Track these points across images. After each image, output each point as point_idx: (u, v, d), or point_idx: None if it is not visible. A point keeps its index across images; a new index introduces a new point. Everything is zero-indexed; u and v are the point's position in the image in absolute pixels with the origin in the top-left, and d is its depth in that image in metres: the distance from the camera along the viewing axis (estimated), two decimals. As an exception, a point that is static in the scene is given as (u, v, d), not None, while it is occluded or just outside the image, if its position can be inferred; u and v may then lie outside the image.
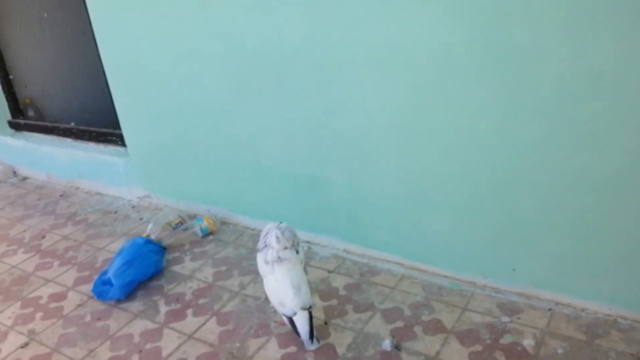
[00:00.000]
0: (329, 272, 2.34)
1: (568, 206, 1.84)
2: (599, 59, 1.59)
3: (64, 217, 3.11)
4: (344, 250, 2.46)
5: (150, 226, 2.74)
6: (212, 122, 2.58)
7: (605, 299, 1.90)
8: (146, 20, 2.52)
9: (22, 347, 2.10)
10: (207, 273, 2.43)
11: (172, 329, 2.11)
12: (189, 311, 2.19)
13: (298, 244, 1.94)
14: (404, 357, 1.84)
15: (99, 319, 2.21)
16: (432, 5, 1.77)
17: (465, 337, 1.89)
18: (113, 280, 2.29)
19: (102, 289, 2.31)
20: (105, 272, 2.41)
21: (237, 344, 1.98)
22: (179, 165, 2.86)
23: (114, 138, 3.16)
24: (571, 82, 1.65)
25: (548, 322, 1.92)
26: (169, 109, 2.71)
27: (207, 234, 2.72)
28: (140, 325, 2.14)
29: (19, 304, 2.36)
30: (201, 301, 2.24)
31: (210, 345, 2.00)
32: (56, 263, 2.65)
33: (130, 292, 2.32)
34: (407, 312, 2.05)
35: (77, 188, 3.47)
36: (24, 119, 3.73)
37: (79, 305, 2.31)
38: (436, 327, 1.95)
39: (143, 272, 2.37)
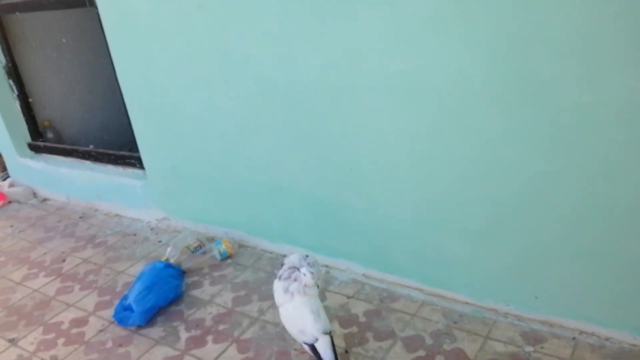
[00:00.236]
0: (348, 297, 2.33)
1: (590, 234, 1.82)
2: (620, 89, 1.58)
3: (84, 240, 3.14)
4: (363, 275, 2.45)
5: (169, 249, 2.76)
6: (229, 146, 2.60)
7: (630, 328, 1.87)
8: (163, 45, 2.55)
9: (45, 374, 2.12)
10: (227, 298, 2.43)
11: (193, 356, 2.11)
12: (209, 338, 2.20)
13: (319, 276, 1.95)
14: (427, 387, 1.83)
15: (120, 345, 2.22)
16: (449, 34, 1.78)
17: (488, 367, 1.88)
18: (134, 306, 2.30)
19: (123, 314, 2.32)
20: (125, 297, 2.42)
21: (258, 373, 1.98)
22: (197, 188, 2.88)
23: (132, 161, 3.19)
24: (591, 112, 1.64)
25: (572, 352, 1.90)
26: (186, 132, 2.74)
27: (225, 257, 2.73)
28: (161, 352, 2.15)
29: (41, 329, 2.38)
30: (221, 327, 2.25)
31: (231, 373, 2.00)
32: (77, 287, 2.67)
33: (150, 317, 2.33)
34: (429, 340, 2.03)
35: (96, 210, 3.50)
36: (43, 141, 3.78)
37: (101, 331, 2.32)
38: (458, 357, 1.94)
39: (163, 297, 2.38)
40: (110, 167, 3.35)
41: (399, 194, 2.17)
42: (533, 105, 1.73)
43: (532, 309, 2.05)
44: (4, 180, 4.04)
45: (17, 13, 3.36)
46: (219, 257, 2.71)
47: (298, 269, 1.87)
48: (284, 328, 2.15)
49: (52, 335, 2.33)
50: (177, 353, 2.13)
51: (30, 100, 3.71)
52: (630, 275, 1.81)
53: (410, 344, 2.03)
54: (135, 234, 3.13)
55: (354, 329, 2.14)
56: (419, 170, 2.07)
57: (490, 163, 1.90)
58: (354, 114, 2.13)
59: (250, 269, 2.63)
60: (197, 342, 2.18)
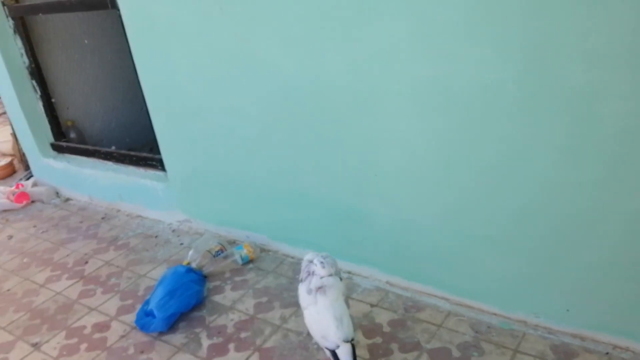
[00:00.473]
0: (372, 306, 2.29)
1: (627, 248, 1.75)
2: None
3: (106, 241, 3.14)
4: (387, 283, 2.40)
5: (190, 253, 2.74)
6: (251, 150, 2.56)
7: (667, 344, 1.81)
8: (185, 48, 2.52)
9: (67, 380, 2.12)
10: (248, 304, 2.40)
11: (215, 364, 2.09)
12: (231, 346, 2.17)
13: (340, 272, 1.94)
14: (454, 403, 1.78)
15: (142, 352, 2.21)
16: (480, 40, 1.71)
17: (518, 382, 1.82)
18: (156, 312, 2.29)
19: (145, 320, 2.31)
20: (147, 302, 2.41)
21: (281, 384, 1.95)
22: (218, 191, 2.86)
23: (154, 163, 3.18)
24: (635, 121, 1.57)
25: (605, 368, 1.83)
26: (208, 135, 2.71)
27: (247, 261, 2.70)
28: (182, 360, 2.13)
29: (63, 333, 2.38)
30: (243, 335, 2.22)
31: (254, 384, 1.97)
32: (99, 290, 2.66)
33: (172, 323, 2.31)
34: (456, 353, 1.98)
35: (119, 210, 3.50)
36: (66, 141, 3.79)
37: (122, 337, 2.31)
38: (486, 371, 1.89)
39: (185, 303, 2.36)
40: (132, 169, 3.35)
41: (425, 200, 2.12)
42: (566, 113, 1.67)
43: (563, 321, 1.99)
44: (27, 179, 4.07)
45: (40, 14, 3.35)
46: (240, 261, 2.68)
47: (312, 262, 1.92)
48: (306, 337, 2.14)
49: (74, 340, 2.32)
50: (199, 361, 2.12)
51: (53, 100, 3.72)
52: (668, 290, 1.74)
53: (437, 356, 1.98)
54: (156, 236, 3.12)
55: (378, 340, 2.09)
56: (446, 177, 2.01)
57: (520, 172, 1.84)
58: (378, 119, 2.07)
59: (272, 274, 2.60)
60: (219, 350, 2.16)
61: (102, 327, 2.39)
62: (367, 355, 2.02)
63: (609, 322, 1.90)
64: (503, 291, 2.09)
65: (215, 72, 2.47)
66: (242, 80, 2.39)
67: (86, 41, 3.71)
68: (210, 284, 2.58)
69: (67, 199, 3.82)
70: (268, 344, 2.15)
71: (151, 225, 3.25)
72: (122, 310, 2.48)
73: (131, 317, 2.41)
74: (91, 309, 2.52)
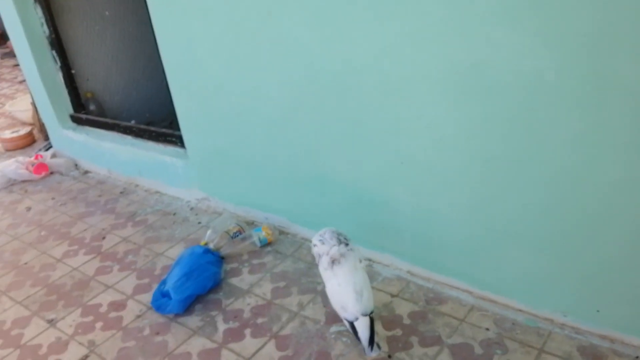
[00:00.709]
0: (392, 296, 2.23)
1: (666, 250, 1.66)
2: None
3: (124, 217, 3.11)
4: (408, 272, 2.34)
5: (208, 233, 2.70)
6: (272, 131, 2.49)
7: (702, 352, 1.72)
8: (208, 23, 2.43)
9: (83, 359, 2.10)
10: (266, 289, 2.36)
11: (231, 350, 2.05)
12: (247, 331, 2.13)
13: (347, 239, 2.00)
14: (475, 403, 1.72)
15: (157, 334, 2.18)
16: (522, 26, 1.60)
17: (543, 384, 1.76)
18: (172, 294, 2.25)
19: (161, 301, 2.28)
20: (164, 282, 2.38)
21: (297, 374, 1.91)
22: (238, 170, 2.80)
23: (173, 139, 3.12)
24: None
25: (635, 373, 1.76)
26: (229, 114, 2.64)
27: (265, 244, 2.65)
28: (198, 344, 2.10)
29: (79, 310, 2.37)
30: (259, 320, 2.18)
31: (269, 372, 1.93)
32: (116, 268, 2.64)
33: (188, 305, 2.28)
34: (478, 349, 1.92)
35: (137, 185, 3.47)
36: (85, 113, 3.75)
37: (138, 317, 2.29)
38: (510, 370, 1.82)
39: (202, 285, 2.32)
40: (151, 144, 3.30)
41: (452, 192, 2.03)
42: (613, 106, 1.56)
43: (592, 322, 1.91)
44: (47, 150, 4.05)
45: (61, -17, 3.29)
46: (258, 243, 2.64)
47: (315, 245, 2.01)
48: (324, 325, 2.10)
49: (90, 318, 2.31)
50: (215, 346, 2.08)
51: (73, 71, 3.68)
52: None
53: (458, 352, 1.92)
54: (174, 214, 3.09)
55: (398, 332, 2.04)
56: (475, 168, 1.93)
57: (554, 166, 1.74)
58: (407, 105, 1.98)
59: (290, 258, 2.55)
60: (235, 335, 2.12)
61: (118, 306, 2.37)
62: (385, 348, 1.96)
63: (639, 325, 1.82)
64: (530, 287, 2.02)
65: (238, 50, 2.39)
66: (265, 60, 2.31)
67: (107, 13, 3.64)
68: (228, 266, 2.54)
69: (86, 172, 3.80)
70: (285, 331, 2.11)
71: (169, 202, 3.22)
72: (139, 289, 2.46)
73: (147, 297, 2.38)
74: (107, 287, 2.50)
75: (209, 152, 2.89)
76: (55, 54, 3.58)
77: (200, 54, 2.56)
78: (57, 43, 3.55)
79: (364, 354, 1.90)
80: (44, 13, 3.44)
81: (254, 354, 2.02)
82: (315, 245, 2.01)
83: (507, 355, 1.88)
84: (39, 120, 4.21)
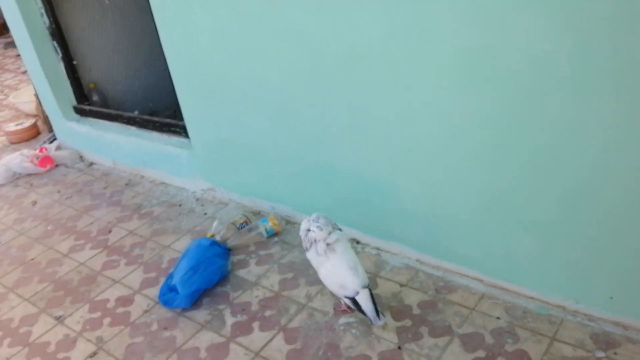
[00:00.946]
0: (401, 285, 2.20)
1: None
2: None
3: (130, 209, 3.09)
4: (417, 260, 2.30)
5: (214, 225, 2.68)
6: (277, 120, 2.45)
7: None
8: (208, 11, 2.37)
9: (91, 356, 2.09)
10: (273, 280, 2.34)
11: (239, 344, 2.04)
12: (256, 324, 2.12)
13: (336, 225, 2.03)
14: (487, 395, 1.70)
15: (165, 329, 2.17)
16: (533, 9, 1.54)
17: (555, 374, 1.73)
18: (179, 288, 2.24)
19: (168, 296, 2.26)
20: (171, 276, 2.36)
21: (306, 367, 1.90)
22: (243, 160, 2.76)
23: (177, 129, 3.09)
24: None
25: (650, 361, 1.72)
26: (232, 103, 2.59)
27: (272, 234, 2.62)
28: (206, 338, 2.09)
29: (87, 307, 2.36)
30: (267, 313, 2.16)
31: (278, 366, 1.92)
32: (123, 262, 2.63)
33: (196, 299, 2.26)
34: (489, 339, 1.89)
35: (142, 176, 3.44)
36: (88, 104, 3.72)
37: (146, 312, 2.28)
38: (521, 360, 1.79)
39: (209, 279, 2.30)
40: (155, 134, 3.26)
41: (461, 179, 1.99)
42: (626, 91, 1.50)
43: (605, 309, 1.87)
44: (51, 142, 4.03)
45: (59, -27, 3.24)
46: (265, 234, 2.61)
47: (309, 230, 1.99)
48: (332, 317, 2.07)
49: (98, 314, 2.30)
50: (223, 340, 2.07)
51: (74, 62, 3.64)
52: None
53: (469, 342, 1.89)
54: (180, 205, 3.06)
55: (408, 322, 2.01)
56: (486, 155, 1.88)
57: (569, 153, 1.69)
58: (415, 92, 1.93)
59: (297, 248, 2.52)
60: (243, 328, 2.11)
61: (125, 301, 2.36)
62: (395, 339, 1.94)
63: (656, 312, 1.78)
64: (541, 274, 1.98)
65: (240, 38, 2.33)
66: (268, 48, 2.25)
67: (107, 1, 3.58)
68: (235, 258, 2.52)
69: (91, 164, 3.78)
70: (293, 324, 2.09)
71: (175, 193, 3.19)
72: (146, 284, 2.45)
73: (154, 291, 2.37)
74: (114, 282, 2.49)
75: (214, 142, 2.85)
76: (56, 44, 3.54)
77: (202, 42, 2.51)
78: (58, 33, 3.50)
79: (372, 324, 1.96)
80: (43, 3, 3.40)
81: (262, 348, 2.00)
82: (313, 231, 1.98)
83: (519, 344, 1.85)
84: (43, 111, 4.18)
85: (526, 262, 1.99)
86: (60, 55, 3.57)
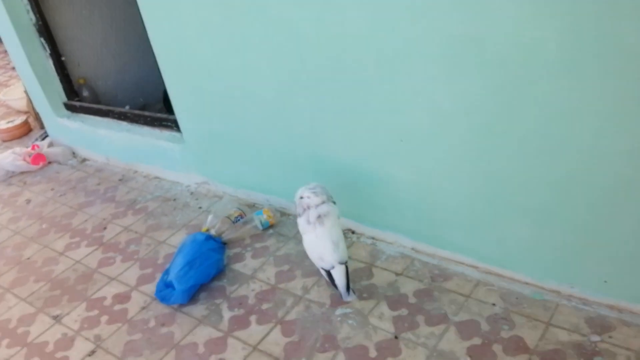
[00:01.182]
0: (397, 274, 2.20)
1: (674, 219, 1.62)
2: None
3: (124, 205, 3.09)
4: (412, 249, 2.31)
5: (209, 218, 2.67)
6: (268, 111, 2.43)
7: None
8: (195, 4, 2.34)
9: (90, 355, 2.10)
10: (269, 273, 2.34)
11: (237, 338, 2.04)
12: (253, 318, 2.12)
13: (332, 197, 2.11)
14: (484, 382, 1.71)
15: (163, 325, 2.18)
16: (519, -6, 1.53)
17: (551, 359, 1.74)
18: (175, 284, 2.24)
19: (165, 292, 2.26)
20: (167, 272, 2.36)
21: (304, 359, 1.90)
22: (236, 153, 2.75)
23: (169, 123, 3.07)
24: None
25: (645, 343, 1.74)
26: (222, 96, 2.58)
27: (267, 227, 2.62)
28: (204, 333, 2.09)
29: (84, 305, 2.36)
30: (264, 306, 2.17)
31: (276, 359, 1.92)
32: (118, 258, 2.63)
33: (192, 295, 2.26)
34: (485, 326, 1.90)
35: (136, 172, 3.43)
36: (79, 100, 3.69)
37: (143, 308, 2.28)
38: (517, 346, 1.80)
39: (205, 273, 2.30)
40: (146, 129, 3.25)
41: (453, 167, 1.98)
42: (614, 76, 1.50)
43: (599, 292, 1.88)
44: (43, 139, 4.01)
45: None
46: (260, 227, 2.61)
47: (302, 197, 2.08)
48: (329, 308, 2.08)
49: (95, 313, 2.30)
50: (221, 334, 2.07)
51: (63, 58, 3.60)
52: None
53: (465, 330, 1.90)
54: (175, 199, 3.06)
55: (404, 312, 2.02)
56: (477, 143, 1.87)
57: (560, 138, 1.68)
58: (404, 81, 1.92)
59: (293, 240, 2.52)
60: (241, 322, 2.11)
61: (122, 298, 2.36)
62: (392, 329, 1.95)
63: (649, 295, 1.79)
64: (535, 259, 1.98)
65: (227, 31, 2.31)
66: (255, 39, 2.24)
67: (92, -4, 3.55)
68: (230, 252, 2.52)
69: (84, 160, 3.77)
70: (290, 316, 2.09)
71: (169, 188, 3.18)
72: (142, 280, 2.45)
73: (151, 287, 2.37)
74: (111, 279, 2.49)
75: (205, 135, 2.84)
76: (43, 41, 3.50)
77: (190, 35, 2.49)
78: (45, 30, 3.46)
79: (342, 299, 2.08)
80: (29, 0, 3.36)
81: (260, 341, 2.01)
82: (308, 197, 2.06)
83: (515, 331, 1.86)
84: (34, 108, 4.15)
85: (520, 248, 2.00)
86: (48, 51, 3.53)
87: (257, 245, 2.54)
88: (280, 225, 2.64)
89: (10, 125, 4.34)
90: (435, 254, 2.25)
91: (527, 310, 1.93)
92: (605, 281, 1.85)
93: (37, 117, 4.20)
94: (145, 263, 2.56)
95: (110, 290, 2.42)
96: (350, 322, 2.01)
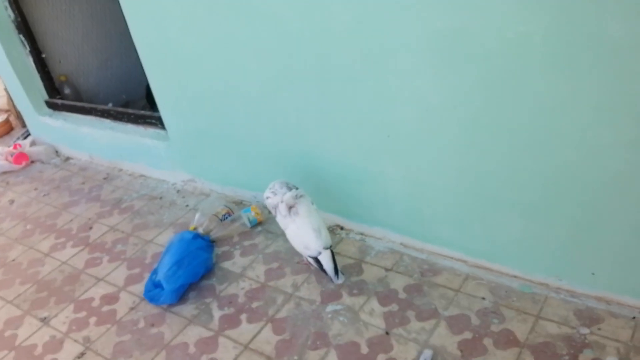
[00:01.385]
0: (387, 270, 2.21)
1: (660, 212, 1.64)
2: None
3: (110, 204, 3.05)
4: (401, 244, 2.31)
5: (197, 217, 2.65)
6: (253, 108, 2.41)
7: (698, 309, 1.72)
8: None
9: (79, 357, 2.08)
10: (259, 271, 2.33)
11: (227, 337, 2.04)
12: (243, 316, 2.11)
13: (295, 185, 2.20)
14: (475, 376, 1.72)
15: (152, 325, 2.16)
16: (505, -11, 1.53)
17: (541, 352, 1.75)
18: (164, 284, 2.22)
19: (153, 292, 2.25)
20: (155, 272, 2.34)
21: (295, 357, 1.90)
22: (222, 150, 2.73)
23: (153, 121, 3.04)
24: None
25: (632, 334, 1.76)
26: (207, 92, 2.55)
27: (255, 224, 2.61)
28: (194, 333, 2.08)
29: (72, 306, 2.33)
30: (255, 305, 2.16)
31: (268, 357, 1.92)
32: (105, 259, 2.60)
33: (182, 294, 2.25)
34: (475, 320, 1.91)
35: (121, 170, 3.40)
36: (60, 98, 3.64)
37: (132, 309, 2.26)
38: (508, 340, 1.81)
39: (194, 272, 2.29)
40: (130, 127, 3.21)
41: (442, 162, 1.99)
42: (601, 69, 1.50)
43: (587, 285, 1.90)
44: (25, 138, 3.95)
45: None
46: (248, 224, 2.60)
47: (267, 198, 2.19)
48: (320, 305, 2.09)
49: (83, 314, 2.28)
50: (211, 334, 2.06)
51: (43, 55, 3.55)
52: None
53: (455, 324, 1.91)
54: (161, 197, 3.03)
55: (394, 307, 2.02)
56: (465, 137, 1.87)
57: (547, 132, 1.69)
58: (390, 76, 1.91)
59: (282, 237, 2.50)
60: (231, 321, 2.10)
61: (110, 298, 2.34)
62: (382, 325, 1.95)
63: (636, 285, 1.81)
64: (523, 252, 2.00)
65: (210, 26, 2.29)
66: (240, 35, 2.21)
67: (72, -8, 3.49)
68: (219, 250, 2.51)
69: (67, 158, 3.72)
70: (281, 314, 2.09)
71: (155, 186, 3.15)
72: (130, 280, 2.43)
73: (139, 288, 2.35)
74: (98, 279, 2.47)
75: (191, 132, 2.81)
76: (23, 38, 3.45)
77: (172, 30, 2.45)
78: (24, 26, 3.41)
79: (332, 282, 2.16)
80: (7, -4, 3.30)
81: (251, 340, 2.00)
82: (268, 197, 2.16)
83: (504, 324, 1.87)
84: (15, 106, 4.09)
85: (509, 242, 2.01)
86: (28, 48, 3.48)
87: (246, 243, 2.53)
88: (269, 222, 2.63)
89: (-10, 124, 4.27)
90: (424, 249, 2.26)
91: (516, 304, 1.95)
92: (593, 273, 1.87)
93: (19, 116, 4.14)
94: (132, 263, 2.53)
95: (98, 291, 2.39)
96: (341, 318, 2.01)
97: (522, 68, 1.62)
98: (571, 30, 1.49)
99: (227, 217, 2.63)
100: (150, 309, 2.24)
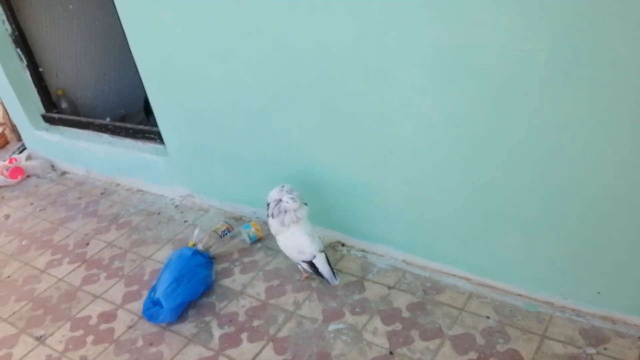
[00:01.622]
0: (389, 288, 2.18)
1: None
2: None
3: (107, 220, 3.02)
4: (403, 261, 2.29)
5: (196, 233, 2.62)
6: (253, 123, 2.39)
7: None
8: (176, 13, 2.30)
9: (76, 378, 2.04)
10: (259, 289, 2.30)
11: (228, 357, 2.00)
12: (244, 335, 2.08)
13: (303, 198, 2.19)
14: (482, 398, 1.69)
15: (151, 344, 2.12)
16: (510, 7, 1.52)
17: (548, 373, 1.73)
18: (163, 302, 2.19)
19: (152, 310, 2.21)
20: (154, 289, 2.31)
21: (298, 378, 1.87)
22: (221, 165, 2.71)
23: (151, 135, 3.01)
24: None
25: (639, 354, 1.74)
26: (206, 107, 2.53)
27: (255, 240, 2.58)
28: (194, 352, 2.05)
29: (68, 325, 2.29)
30: (255, 323, 2.13)
31: (270, 378, 1.89)
32: (103, 275, 2.56)
33: (181, 312, 2.21)
34: (480, 340, 1.89)
35: (118, 184, 3.36)
36: (57, 112, 3.61)
37: (130, 327, 2.22)
38: (514, 360, 1.79)
39: (193, 290, 2.26)
40: (129, 141, 3.18)
41: (444, 178, 1.97)
42: (604, 88, 1.50)
43: (592, 303, 1.88)
44: (21, 152, 3.91)
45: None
46: (248, 240, 2.57)
47: (281, 200, 2.13)
48: (322, 324, 2.05)
49: (80, 333, 2.23)
50: (211, 354, 2.03)
51: (40, 69, 3.52)
52: None
53: (460, 343, 1.88)
54: (159, 213, 3.00)
55: (398, 326, 2.00)
56: (467, 154, 1.86)
57: (551, 149, 1.68)
58: (393, 92, 1.90)
59: (282, 254, 2.46)
60: (232, 340, 2.07)
61: (108, 316, 2.30)
62: (386, 344, 1.92)
63: (642, 305, 1.80)
64: (528, 271, 1.98)
65: (209, 40, 2.28)
66: (239, 50, 2.20)
67: (71, 6, 3.47)
68: (218, 267, 2.47)
69: (64, 173, 3.68)
70: (282, 333, 2.06)
71: (153, 201, 3.12)
72: (128, 298, 2.39)
73: (138, 305, 2.31)
74: (95, 297, 2.43)
75: (190, 147, 2.79)
76: (20, 51, 3.43)
77: (171, 44, 2.44)
78: (22, 40, 3.39)
79: (330, 284, 2.18)
80: (4, 9, 3.28)
81: (252, 360, 1.97)
82: (287, 202, 2.11)
83: (510, 344, 1.85)
84: (11, 120, 4.05)
85: (512, 259, 1.99)
86: (25, 62, 3.45)
87: (246, 259, 2.50)
88: (269, 238, 2.60)
89: (-15, 137, 4.23)
90: (427, 266, 2.24)
91: (521, 323, 1.92)
92: (599, 292, 1.85)
93: (14, 130, 4.10)
94: (130, 280, 2.50)
95: (95, 309, 2.35)
96: (344, 337, 1.98)
97: (526, 85, 1.62)
98: (575, 48, 1.49)
99: (226, 233, 2.60)
100: (148, 327, 2.20)
